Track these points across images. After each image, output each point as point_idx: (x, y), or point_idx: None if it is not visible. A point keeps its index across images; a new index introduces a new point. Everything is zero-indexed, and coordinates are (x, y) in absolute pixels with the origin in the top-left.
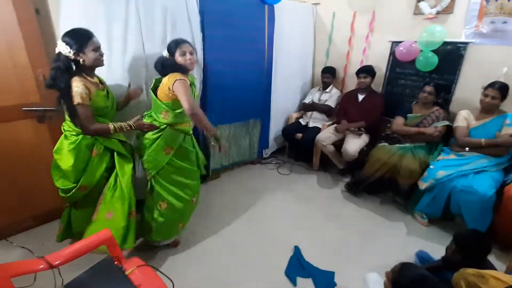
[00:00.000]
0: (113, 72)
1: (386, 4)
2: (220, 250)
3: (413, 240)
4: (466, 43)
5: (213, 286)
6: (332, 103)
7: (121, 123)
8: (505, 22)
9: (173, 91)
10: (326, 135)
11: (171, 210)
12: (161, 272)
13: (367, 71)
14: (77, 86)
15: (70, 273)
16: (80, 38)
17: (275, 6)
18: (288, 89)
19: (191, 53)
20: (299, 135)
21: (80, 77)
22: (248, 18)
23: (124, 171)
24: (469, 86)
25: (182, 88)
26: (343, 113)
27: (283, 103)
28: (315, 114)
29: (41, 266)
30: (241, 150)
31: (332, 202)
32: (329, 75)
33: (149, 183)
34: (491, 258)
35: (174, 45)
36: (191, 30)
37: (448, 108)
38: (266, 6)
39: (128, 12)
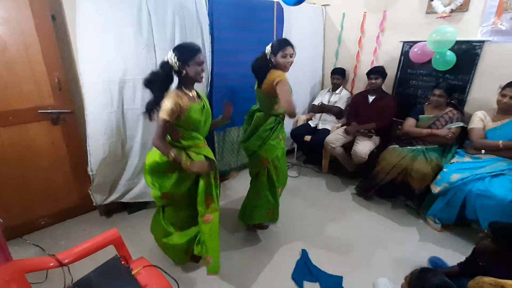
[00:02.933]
0: (125, 74)
1: (398, 4)
2: (226, 253)
3: (425, 246)
4: (482, 42)
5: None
6: (341, 104)
7: (182, 155)
8: None
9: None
10: (336, 137)
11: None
12: (166, 273)
13: (378, 72)
14: (169, 101)
15: (79, 272)
16: (188, 51)
17: (284, 7)
18: (297, 90)
19: (291, 56)
20: (308, 137)
21: (178, 91)
22: (257, 20)
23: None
24: (485, 86)
25: (283, 88)
26: (353, 115)
27: None
28: (325, 116)
29: (52, 264)
30: None
31: (341, 205)
32: (338, 76)
33: (265, 172)
34: None
35: (278, 46)
36: (200, 33)
37: (463, 109)
38: (275, 8)
39: (141, 16)
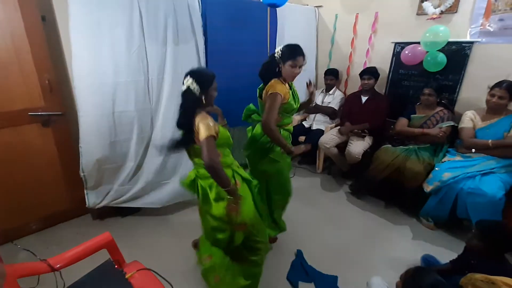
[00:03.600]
0: (116, 75)
1: (389, 5)
2: None
3: (418, 244)
4: (472, 43)
5: None
6: (335, 105)
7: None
8: None
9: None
10: (330, 138)
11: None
12: (161, 276)
13: (371, 72)
14: (206, 119)
15: (72, 277)
16: (207, 77)
17: (277, 9)
18: None
19: (300, 67)
20: (302, 137)
21: (203, 112)
22: (250, 21)
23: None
24: (474, 86)
25: (270, 101)
26: (346, 115)
27: None
28: (319, 116)
29: (43, 269)
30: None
31: (336, 205)
32: (332, 77)
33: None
34: None
35: (288, 53)
36: (193, 34)
37: (453, 109)
38: (268, 9)
39: (132, 17)
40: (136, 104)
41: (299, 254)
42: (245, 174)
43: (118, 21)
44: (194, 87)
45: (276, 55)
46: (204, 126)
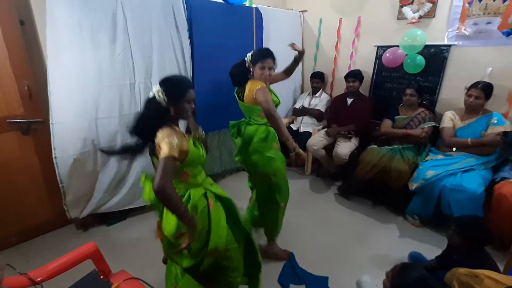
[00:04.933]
0: (99, 79)
1: (371, 10)
2: None
3: (405, 242)
4: (449, 46)
5: None
6: (322, 107)
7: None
8: (489, 23)
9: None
10: (317, 140)
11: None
12: (149, 285)
13: (355, 75)
14: (171, 136)
15: None
16: (178, 88)
17: (263, 13)
18: (279, 94)
19: (270, 68)
20: None
21: (170, 127)
22: (236, 26)
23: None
24: (453, 87)
25: (261, 94)
26: (333, 117)
27: None
28: (306, 119)
29: (23, 283)
30: (232, 157)
31: (325, 206)
32: (318, 80)
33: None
34: None
35: (258, 56)
36: (179, 38)
37: (434, 109)
38: (254, 14)
39: (116, 21)
40: (120, 109)
41: (291, 257)
42: (220, 191)
43: (101, 24)
44: (161, 96)
45: (246, 59)
46: (166, 145)
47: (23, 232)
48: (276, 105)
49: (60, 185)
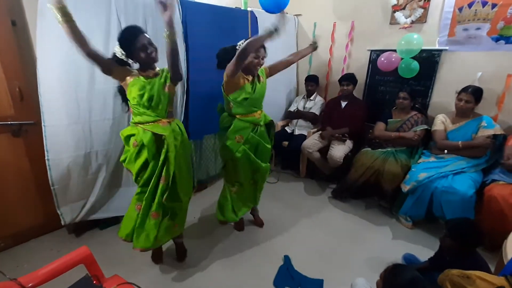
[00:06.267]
0: (93, 82)
1: (364, 15)
2: (207, 261)
3: (399, 243)
4: (440, 50)
5: None
6: (316, 110)
7: None
8: (478, 29)
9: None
10: (312, 142)
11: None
12: None
13: (349, 79)
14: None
15: None
16: (126, 38)
17: (258, 16)
18: (273, 97)
19: (262, 58)
20: (285, 143)
21: (131, 69)
22: (232, 29)
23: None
24: (445, 91)
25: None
26: (327, 120)
27: (268, 112)
28: (301, 121)
29: None
30: None
31: (320, 209)
32: (312, 83)
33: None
34: None
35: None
36: None
37: (426, 113)
38: (249, 16)
39: (110, 22)
40: (114, 112)
41: (286, 259)
42: (146, 134)
43: (94, 26)
44: (119, 52)
45: (237, 47)
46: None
47: (14, 236)
48: (244, 99)
49: (52, 188)
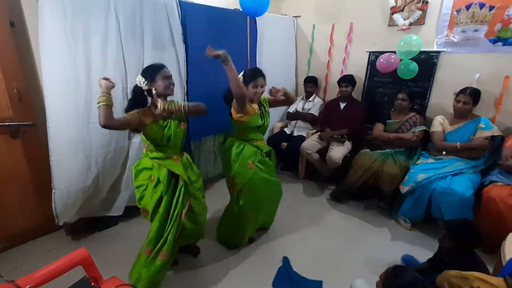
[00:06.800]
0: (91, 83)
1: (363, 17)
2: (207, 264)
3: (397, 244)
4: (438, 52)
5: None
6: (315, 111)
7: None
8: (476, 30)
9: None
10: (311, 143)
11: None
12: None
13: (348, 80)
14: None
15: None
16: (152, 69)
17: (257, 18)
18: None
19: (262, 86)
20: (284, 144)
21: (146, 109)
22: (231, 30)
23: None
24: (443, 93)
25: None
26: (326, 121)
27: None
28: (299, 123)
29: None
30: None
31: (319, 210)
32: (311, 84)
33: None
34: None
35: (250, 76)
36: (173, 43)
37: (425, 114)
38: (248, 18)
39: (108, 25)
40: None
41: (285, 261)
42: (161, 170)
43: (93, 28)
44: (142, 81)
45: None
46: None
47: (11, 238)
48: (256, 126)
49: (53, 190)
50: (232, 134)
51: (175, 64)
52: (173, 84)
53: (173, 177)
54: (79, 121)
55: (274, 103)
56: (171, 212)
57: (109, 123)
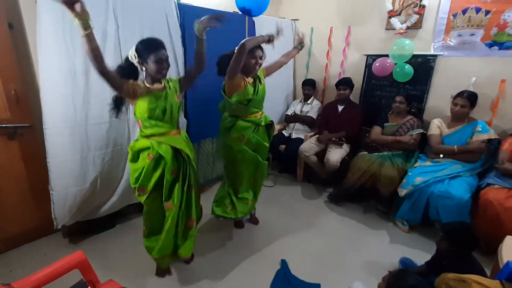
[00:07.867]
0: (89, 85)
1: (361, 20)
2: (204, 266)
3: (396, 247)
4: (435, 56)
5: None
6: (313, 114)
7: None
8: (472, 35)
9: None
10: (309, 146)
11: None
12: None
13: (346, 83)
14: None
15: None
16: (146, 47)
17: (256, 21)
18: (270, 101)
19: (261, 58)
20: (283, 146)
21: (139, 81)
22: (229, 33)
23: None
24: (440, 96)
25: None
26: (324, 123)
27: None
28: (298, 125)
29: None
30: None
31: (317, 212)
32: (309, 87)
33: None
34: None
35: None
36: (172, 45)
37: (422, 117)
38: (247, 21)
39: (106, 25)
40: (111, 116)
41: (283, 264)
42: (161, 147)
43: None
44: (132, 54)
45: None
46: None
47: (7, 241)
48: (248, 100)
49: (51, 192)
50: (230, 112)
51: (174, 67)
52: (167, 67)
53: (176, 152)
54: (76, 123)
55: (269, 71)
56: (182, 187)
57: (104, 70)
